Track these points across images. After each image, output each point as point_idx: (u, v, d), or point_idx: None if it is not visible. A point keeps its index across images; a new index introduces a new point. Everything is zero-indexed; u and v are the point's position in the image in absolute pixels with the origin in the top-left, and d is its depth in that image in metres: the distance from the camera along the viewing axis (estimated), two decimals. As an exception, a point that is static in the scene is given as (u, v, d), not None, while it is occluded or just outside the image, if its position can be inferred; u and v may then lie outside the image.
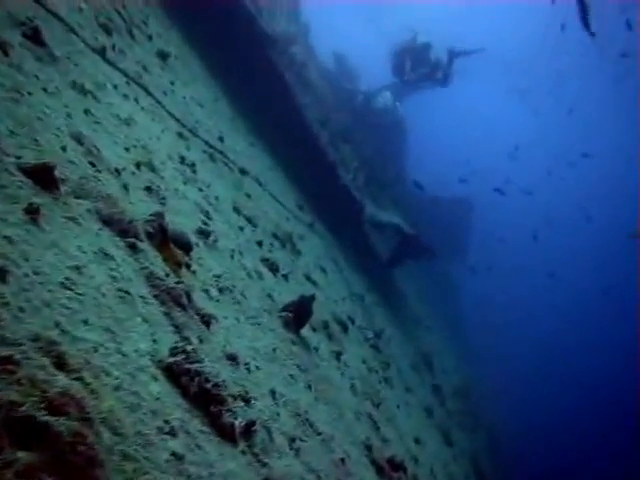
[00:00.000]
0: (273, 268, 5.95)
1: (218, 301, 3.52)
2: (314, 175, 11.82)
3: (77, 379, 1.66)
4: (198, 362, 2.37)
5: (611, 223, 45.10)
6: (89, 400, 1.61)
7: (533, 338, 47.02)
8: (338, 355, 6.10)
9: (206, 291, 3.42)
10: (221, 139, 7.68)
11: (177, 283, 2.87)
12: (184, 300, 2.78)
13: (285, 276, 6.26)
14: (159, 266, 2.94)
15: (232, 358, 2.96)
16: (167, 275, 2.94)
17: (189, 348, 2.36)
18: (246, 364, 3.13)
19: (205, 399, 2.30)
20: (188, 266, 3.42)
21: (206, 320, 2.93)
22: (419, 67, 21.22)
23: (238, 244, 5.23)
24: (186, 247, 3.65)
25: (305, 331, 5.31)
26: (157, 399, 2.04)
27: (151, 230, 3.07)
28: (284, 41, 12.01)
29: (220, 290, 3.67)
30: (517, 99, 59.39)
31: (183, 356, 2.29)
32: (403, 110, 23.65)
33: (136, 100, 5.47)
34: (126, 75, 5.65)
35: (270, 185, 8.97)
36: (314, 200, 11.58)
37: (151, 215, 3.16)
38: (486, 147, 53.68)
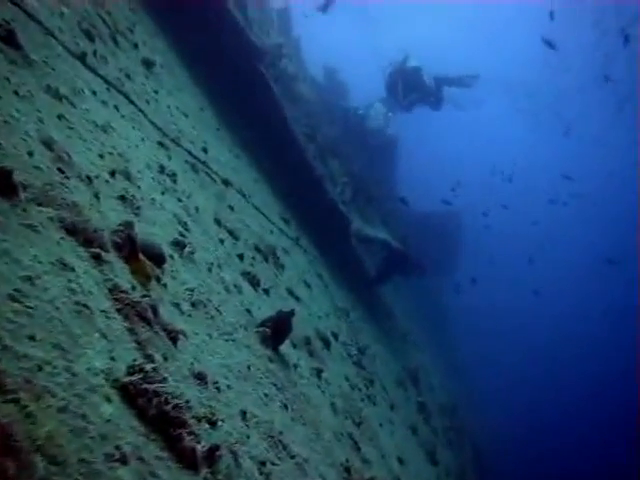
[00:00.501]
0: (254, 282, 5.81)
1: (190, 316, 3.36)
2: (301, 189, 11.71)
3: (11, 401, 1.51)
4: (159, 381, 2.22)
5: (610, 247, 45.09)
6: (21, 425, 1.47)
7: (523, 351, 47.04)
8: (319, 372, 5.94)
9: (177, 305, 3.27)
10: (205, 150, 7.55)
11: (143, 296, 2.72)
12: (150, 315, 2.63)
13: (266, 290, 6.12)
14: (125, 278, 2.79)
15: (200, 377, 2.80)
16: (134, 288, 2.79)
17: (149, 367, 2.21)
18: (215, 383, 2.98)
19: (164, 422, 2.15)
20: (159, 279, 3.27)
21: (173, 336, 2.78)
22: (411, 91, 21.07)
23: (217, 257, 5.08)
24: (158, 259, 3.50)
25: (284, 347, 5.15)
26: (108, 422, 1.89)
27: (119, 240, 2.92)
28: (273, 53, 11.94)
29: (193, 304, 3.52)
30: (520, 120, 59.22)
31: (141, 375, 2.14)
32: (395, 122, 23.53)
33: (116, 107, 5.34)
34: (107, 82, 5.52)
35: (255, 198, 8.84)
36: (300, 214, 11.46)
37: (120, 225, 3.02)
38: (485, 166, 53.49)
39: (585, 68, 42.24)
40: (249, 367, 3.72)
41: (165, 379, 2.32)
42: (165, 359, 2.59)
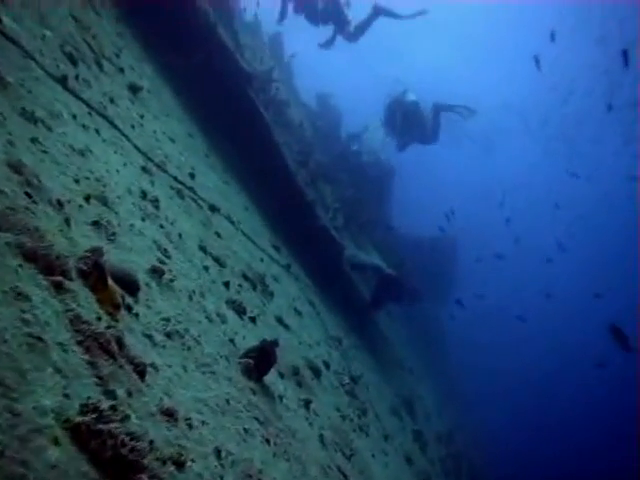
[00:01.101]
0: (240, 311, 5.63)
1: (164, 347, 3.18)
2: (292, 215, 11.58)
3: None
4: (118, 420, 2.05)
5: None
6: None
7: (522, 380, 46.71)
8: (307, 403, 5.74)
9: (149, 336, 3.09)
10: (192, 175, 7.42)
11: (108, 327, 2.55)
12: (114, 347, 2.46)
13: (253, 319, 5.94)
14: (90, 308, 2.63)
15: (169, 413, 2.61)
16: (99, 319, 2.62)
17: (105, 404, 2.04)
18: (187, 419, 2.79)
19: (121, 466, 1.97)
20: (130, 308, 3.10)
21: (141, 370, 2.60)
22: (409, 125, 20.57)
23: (200, 285, 4.91)
24: (132, 287, 3.34)
25: (270, 378, 4.97)
26: (53, 468, 1.71)
27: (85, 268, 2.76)
28: (264, 79, 11.88)
29: (168, 335, 3.35)
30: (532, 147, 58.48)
31: (96, 414, 1.96)
32: (392, 147, 23.16)
33: (97, 131, 5.21)
34: (88, 105, 5.39)
35: (244, 224, 8.70)
36: (292, 241, 11.31)
37: (87, 251, 2.86)
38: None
39: (592, 92, 41.95)
40: (228, 400, 3.53)
41: (127, 417, 2.14)
42: (129, 395, 2.41)
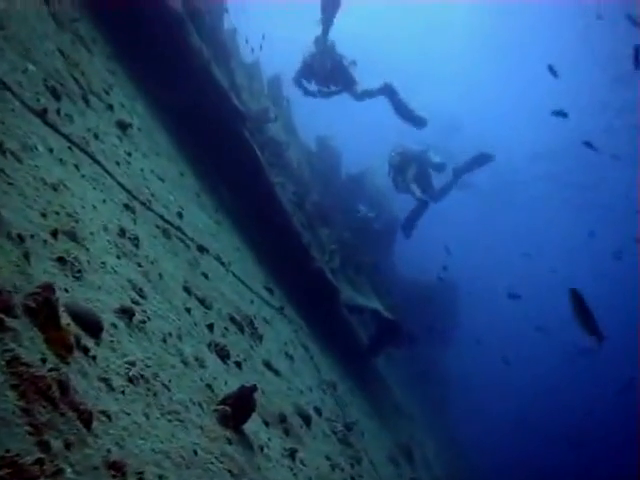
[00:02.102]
0: (223, 355, 5.38)
1: (122, 393, 2.93)
2: (287, 257, 11.38)
3: None
4: (46, 476, 1.80)
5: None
6: None
7: (526, 422, 45.87)
8: (293, 453, 5.42)
9: (105, 381, 2.84)
10: (180, 215, 7.23)
11: (50, 370, 2.31)
12: (55, 392, 2.22)
13: (239, 364, 5.68)
14: (34, 349, 2.39)
15: (116, 467, 2.34)
16: (44, 361, 2.38)
17: (28, 458, 1.79)
18: (140, 474, 2.51)
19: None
20: (87, 350, 2.86)
21: (86, 417, 2.34)
22: (420, 177, 20.26)
23: (178, 327, 4.67)
24: (93, 328, 3.11)
25: (252, 427, 4.69)
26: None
27: (33, 305, 2.53)
28: (260, 118, 11.80)
29: (130, 379, 3.09)
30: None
31: (10, 469, 1.71)
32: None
33: (76, 166, 5.03)
34: (69, 140, 5.23)
35: (235, 265, 8.48)
36: (286, 283, 11.07)
37: (38, 287, 2.63)
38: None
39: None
40: (195, 451, 3.25)
41: (59, 472, 1.90)
42: (67, 446, 2.15)
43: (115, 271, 4.18)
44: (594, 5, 29.98)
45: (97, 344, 3.08)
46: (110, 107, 7.22)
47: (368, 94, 17.11)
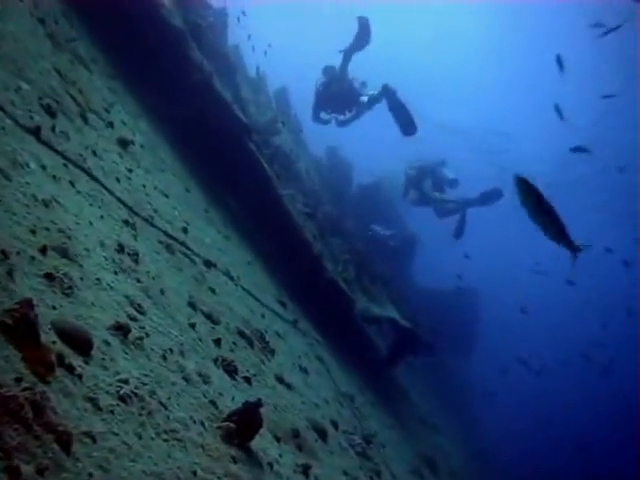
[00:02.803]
0: (231, 370, 5.22)
1: (111, 412, 2.77)
2: (299, 269, 11.22)
3: None
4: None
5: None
6: None
7: (553, 435, 45.04)
8: (306, 469, 5.22)
9: (91, 400, 2.69)
10: (185, 230, 7.11)
11: (24, 390, 2.16)
12: (28, 413, 2.07)
13: (248, 379, 5.52)
14: (9, 368, 2.25)
15: (100, 492, 2.20)
16: (18, 380, 2.24)
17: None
18: (127, 498, 2.36)
19: None
20: (72, 369, 2.71)
21: (65, 440, 2.19)
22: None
23: (180, 343, 4.52)
24: (82, 345, 2.97)
25: (262, 443, 4.52)
26: None
27: (10, 322, 2.40)
28: (266, 130, 11.71)
29: (121, 398, 2.94)
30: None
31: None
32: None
33: (71, 183, 4.92)
34: (64, 156, 5.13)
35: (245, 279, 8.33)
36: (299, 295, 10.91)
37: (16, 303, 2.50)
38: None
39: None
40: (195, 472, 3.09)
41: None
42: (40, 471, 2.00)
43: (111, 287, 4.05)
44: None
45: (86, 362, 2.94)
46: (110, 124, 7.13)
47: (374, 100, 16.93)
